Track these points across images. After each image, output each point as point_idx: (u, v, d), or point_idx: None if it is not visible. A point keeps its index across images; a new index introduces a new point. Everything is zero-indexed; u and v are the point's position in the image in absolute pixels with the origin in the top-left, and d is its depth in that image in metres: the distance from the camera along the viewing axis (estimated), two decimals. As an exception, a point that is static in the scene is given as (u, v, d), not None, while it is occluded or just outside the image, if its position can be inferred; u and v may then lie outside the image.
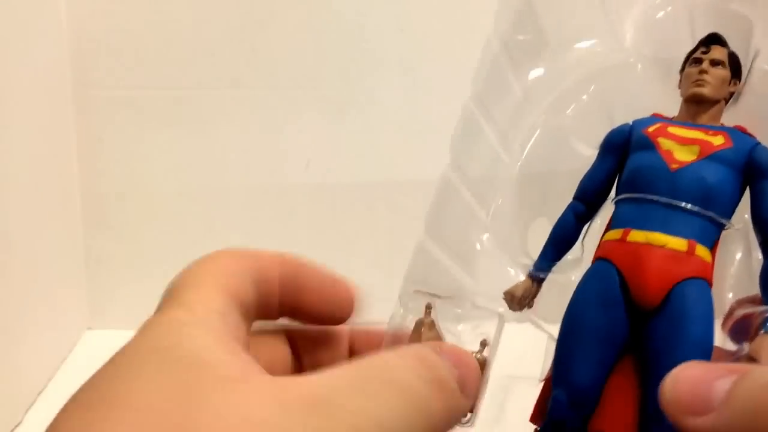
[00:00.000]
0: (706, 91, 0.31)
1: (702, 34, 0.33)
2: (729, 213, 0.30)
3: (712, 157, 0.29)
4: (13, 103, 0.55)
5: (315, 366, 0.26)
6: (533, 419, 0.30)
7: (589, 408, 0.28)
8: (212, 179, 0.67)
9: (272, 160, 0.67)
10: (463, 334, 0.28)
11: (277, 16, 0.64)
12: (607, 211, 0.33)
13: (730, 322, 0.28)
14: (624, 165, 0.32)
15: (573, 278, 0.31)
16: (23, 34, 0.57)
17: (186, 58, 0.65)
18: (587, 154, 0.34)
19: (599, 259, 0.30)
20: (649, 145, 0.30)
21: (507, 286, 0.33)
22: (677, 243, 0.28)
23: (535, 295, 0.33)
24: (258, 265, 0.24)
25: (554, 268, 0.33)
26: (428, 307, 0.28)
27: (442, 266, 0.33)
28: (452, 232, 0.34)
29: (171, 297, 0.22)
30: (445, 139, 0.35)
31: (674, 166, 0.29)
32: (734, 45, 0.33)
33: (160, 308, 0.22)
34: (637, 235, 0.29)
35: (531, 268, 0.33)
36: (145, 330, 0.20)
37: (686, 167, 0.29)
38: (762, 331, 0.26)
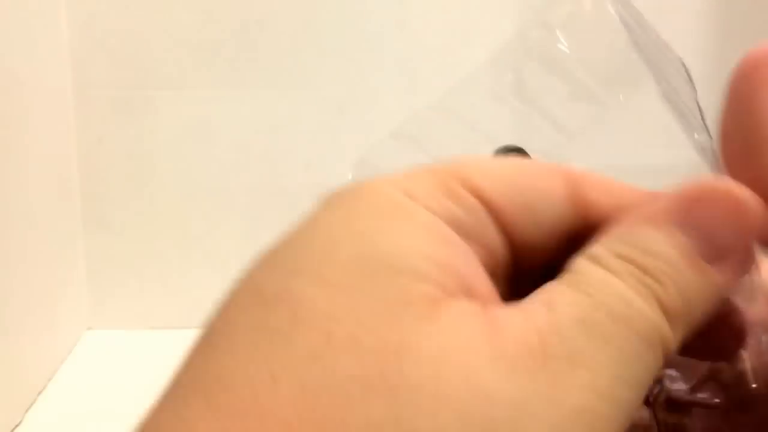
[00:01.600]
0: None
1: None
2: None
3: None
4: (14, 103, 0.55)
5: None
6: None
7: None
8: (212, 179, 0.67)
9: (272, 160, 0.67)
10: None
11: (278, 16, 0.64)
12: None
13: None
14: None
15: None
16: (23, 34, 0.57)
17: (186, 58, 0.65)
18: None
19: None
20: None
21: None
22: None
23: None
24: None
25: None
26: None
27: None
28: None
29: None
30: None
31: None
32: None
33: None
34: None
35: None
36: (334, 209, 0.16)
37: None
38: None
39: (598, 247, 0.15)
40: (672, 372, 0.24)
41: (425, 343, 0.13)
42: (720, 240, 0.15)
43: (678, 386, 0.24)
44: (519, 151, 0.30)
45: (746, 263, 0.16)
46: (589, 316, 0.14)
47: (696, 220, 0.15)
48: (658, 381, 0.23)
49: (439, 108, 0.30)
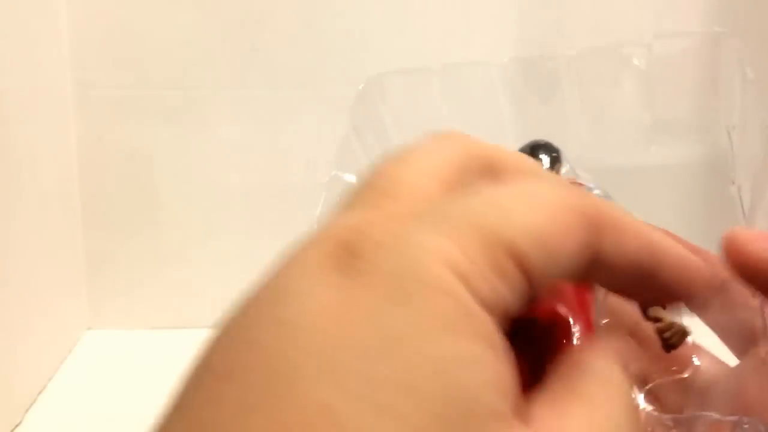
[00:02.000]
0: None
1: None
2: None
3: None
4: (13, 103, 0.55)
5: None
6: None
7: None
8: (212, 179, 0.67)
9: (272, 160, 0.67)
10: None
11: (278, 16, 0.64)
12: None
13: None
14: None
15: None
16: (23, 34, 0.57)
17: (186, 58, 0.65)
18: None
19: None
20: None
21: None
22: None
23: None
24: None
25: None
26: None
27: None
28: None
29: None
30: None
31: None
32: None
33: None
34: None
35: None
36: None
37: None
38: None
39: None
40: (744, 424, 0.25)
41: None
42: None
43: None
44: (547, 146, 0.31)
45: None
46: None
47: None
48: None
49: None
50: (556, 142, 0.33)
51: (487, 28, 0.63)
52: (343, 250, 0.16)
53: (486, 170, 0.19)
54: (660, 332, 0.26)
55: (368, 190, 0.18)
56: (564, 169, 0.32)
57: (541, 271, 0.16)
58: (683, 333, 0.26)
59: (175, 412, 0.15)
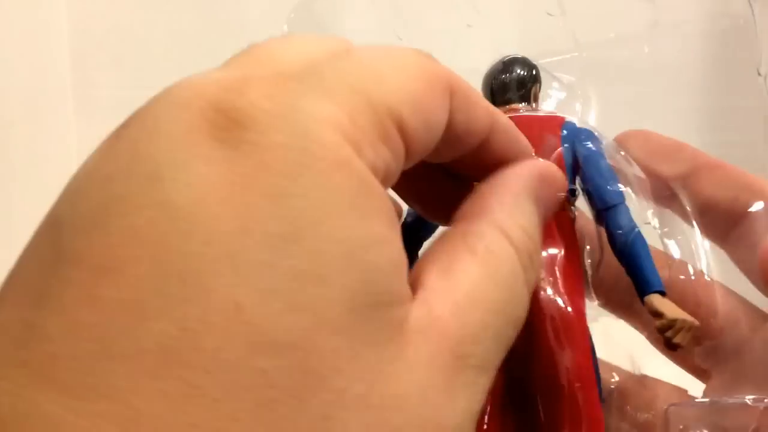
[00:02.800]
0: None
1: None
2: None
3: None
4: (13, 103, 0.55)
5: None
6: None
7: None
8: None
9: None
10: None
11: (277, 17, 0.64)
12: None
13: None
14: None
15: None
16: (23, 34, 0.57)
17: (186, 58, 0.65)
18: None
19: None
20: None
21: None
22: None
23: None
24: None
25: None
26: None
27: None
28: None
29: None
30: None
31: None
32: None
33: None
34: None
35: None
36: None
37: None
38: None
39: (506, 220, 0.18)
40: None
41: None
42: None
43: None
44: (523, 62, 0.29)
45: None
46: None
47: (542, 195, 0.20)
48: None
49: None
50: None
51: (488, 31, 0.63)
52: (220, 114, 0.13)
53: None
54: (660, 331, 0.24)
55: (241, 55, 0.17)
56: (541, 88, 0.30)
57: (418, 138, 0.16)
58: (689, 329, 0.24)
59: (43, 302, 0.12)
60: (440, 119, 0.16)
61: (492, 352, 0.16)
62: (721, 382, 0.26)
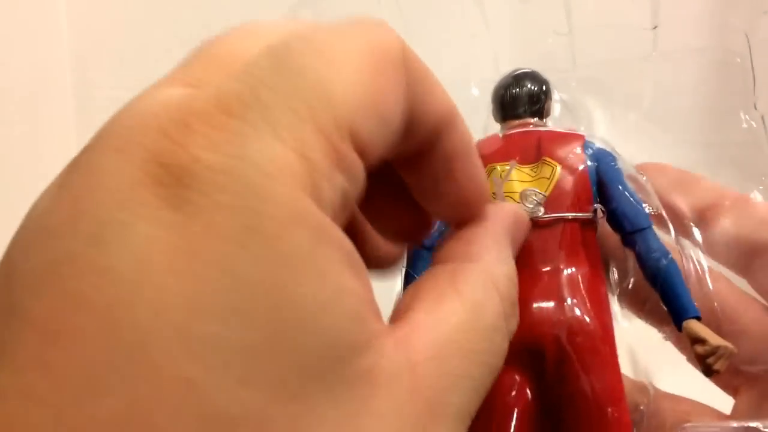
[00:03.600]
0: None
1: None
2: None
3: None
4: (13, 103, 0.55)
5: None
6: None
7: None
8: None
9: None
10: None
11: (277, 17, 0.64)
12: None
13: None
14: None
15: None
16: (23, 34, 0.57)
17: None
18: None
19: None
20: None
21: None
22: None
23: None
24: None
25: None
26: None
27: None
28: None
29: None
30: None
31: None
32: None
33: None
34: None
35: None
36: None
37: None
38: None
39: (494, 268, 0.18)
40: None
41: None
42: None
43: None
44: (534, 76, 0.29)
45: None
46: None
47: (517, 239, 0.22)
48: None
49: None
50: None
51: (488, 33, 0.63)
52: (163, 169, 0.13)
53: None
54: (703, 357, 0.25)
55: (192, 61, 0.16)
56: (556, 103, 0.30)
57: (376, 142, 0.15)
58: (729, 356, 0.24)
59: None
60: (397, 109, 0.15)
61: (470, 402, 0.16)
62: (748, 400, 0.27)
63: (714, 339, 0.25)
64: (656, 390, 0.28)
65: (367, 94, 0.15)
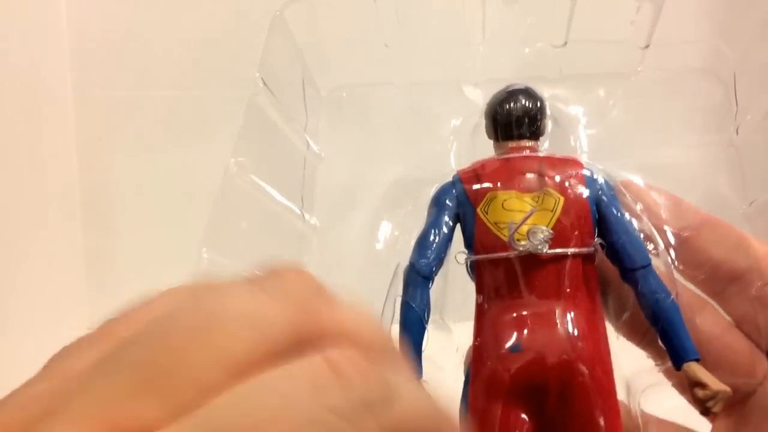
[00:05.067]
0: None
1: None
2: None
3: None
4: (13, 103, 0.55)
5: None
6: None
7: None
8: (212, 179, 0.67)
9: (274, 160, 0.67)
10: None
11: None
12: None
13: None
14: None
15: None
16: (23, 34, 0.57)
17: (186, 58, 0.65)
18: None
19: None
20: None
21: None
22: None
23: None
24: None
25: None
26: None
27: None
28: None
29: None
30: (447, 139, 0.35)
31: None
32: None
33: None
34: None
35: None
36: None
37: None
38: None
39: None
40: None
41: None
42: None
43: None
44: (528, 93, 0.29)
45: None
46: None
47: None
48: None
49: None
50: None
51: (488, 34, 0.63)
52: None
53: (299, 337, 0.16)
54: (702, 401, 0.25)
55: (43, 379, 0.17)
56: (549, 124, 0.30)
57: None
58: (727, 399, 0.25)
59: None
60: None
61: None
62: (726, 425, 0.28)
63: (714, 384, 0.25)
64: (644, 414, 0.29)
65: None
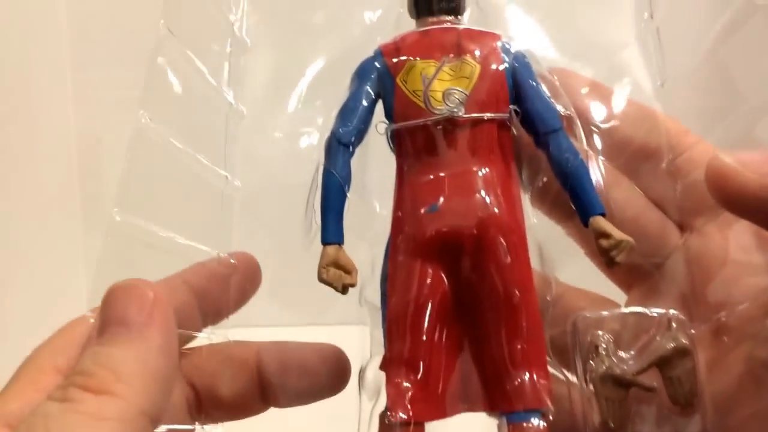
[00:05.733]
0: None
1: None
2: None
3: None
4: (13, 103, 0.55)
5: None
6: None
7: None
8: (212, 180, 0.67)
9: (274, 160, 0.66)
10: None
11: (276, 17, 0.64)
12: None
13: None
14: None
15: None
16: (23, 34, 0.57)
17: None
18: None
19: None
20: None
21: None
22: None
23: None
24: None
25: None
26: None
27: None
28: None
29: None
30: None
31: None
32: None
33: None
34: None
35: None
36: None
37: None
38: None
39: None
40: (623, 354, 0.28)
41: None
42: None
43: (625, 366, 0.28)
44: None
45: None
46: None
47: None
48: (593, 359, 0.27)
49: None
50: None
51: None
52: None
53: None
54: (607, 250, 0.27)
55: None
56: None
57: None
58: (629, 249, 0.27)
59: None
60: None
61: None
62: (639, 294, 0.30)
63: (617, 234, 0.27)
64: (559, 283, 0.30)
65: None
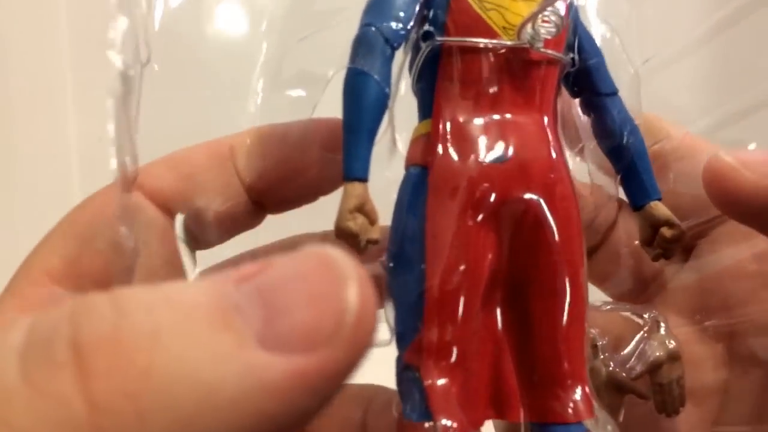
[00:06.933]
0: None
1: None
2: None
3: None
4: (14, 103, 0.55)
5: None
6: None
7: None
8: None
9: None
10: None
11: (275, 18, 0.64)
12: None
13: None
14: None
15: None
16: (23, 34, 0.57)
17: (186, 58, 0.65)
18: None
19: None
20: None
21: None
22: None
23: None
24: None
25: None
26: None
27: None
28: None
29: None
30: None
31: None
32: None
33: None
34: None
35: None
36: None
37: None
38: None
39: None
40: (617, 356, 0.25)
41: None
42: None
43: (624, 369, 0.25)
44: None
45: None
46: None
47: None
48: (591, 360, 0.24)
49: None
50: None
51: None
52: None
53: None
54: (669, 241, 0.24)
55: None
56: None
57: None
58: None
59: None
60: None
61: None
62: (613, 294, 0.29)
63: (678, 222, 0.24)
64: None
65: None
